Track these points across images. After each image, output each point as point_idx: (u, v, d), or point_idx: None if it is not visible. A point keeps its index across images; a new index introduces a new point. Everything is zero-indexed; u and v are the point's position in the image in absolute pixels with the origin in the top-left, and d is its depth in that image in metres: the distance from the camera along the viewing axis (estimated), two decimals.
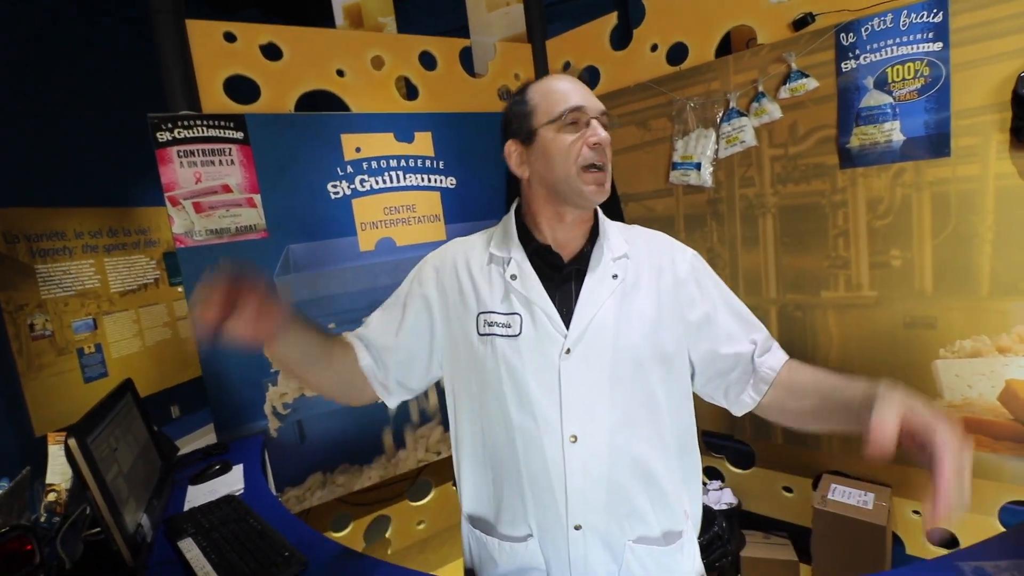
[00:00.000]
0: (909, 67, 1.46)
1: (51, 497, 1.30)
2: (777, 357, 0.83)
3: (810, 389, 0.80)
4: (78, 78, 3.29)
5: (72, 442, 0.94)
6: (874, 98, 1.53)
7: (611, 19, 2.19)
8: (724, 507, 2.07)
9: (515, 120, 0.82)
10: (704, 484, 2.29)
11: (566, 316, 0.79)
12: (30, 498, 1.28)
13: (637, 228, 0.92)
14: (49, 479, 1.34)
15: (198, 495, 1.34)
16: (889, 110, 1.50)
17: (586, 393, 0.78)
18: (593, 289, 0.80)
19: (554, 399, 0.78)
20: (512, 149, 0.83)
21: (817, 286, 1.77)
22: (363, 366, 0.87)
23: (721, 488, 2.20)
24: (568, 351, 0.78)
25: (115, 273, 3.44)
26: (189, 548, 1.07)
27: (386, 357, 0.88)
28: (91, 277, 3.29)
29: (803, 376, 0.81)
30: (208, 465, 1.46)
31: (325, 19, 3.09)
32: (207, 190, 1.65)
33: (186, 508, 1.27)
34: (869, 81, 1.53)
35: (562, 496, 0.78)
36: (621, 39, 2.18)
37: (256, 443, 1.65)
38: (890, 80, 1.49)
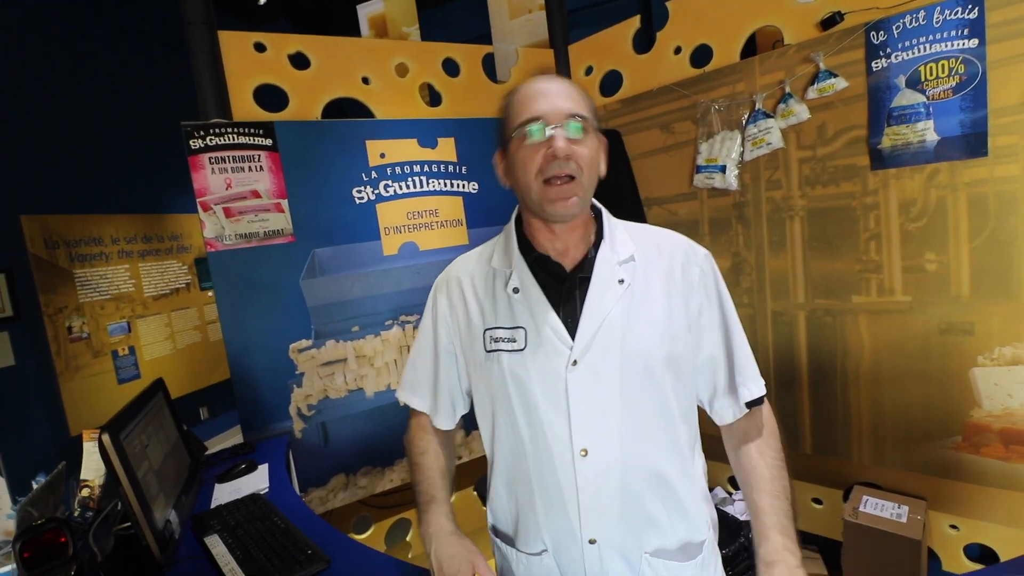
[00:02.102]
0: (943, 65, 1.42)
1: (84, 492, 1.35)
2: (723, 413, 0.84)
3: (738, 474, 0.83)
4: (115, 91, 3.43)
5: (106, 437, 0.97)
6: (906, 97, 1.48)
7: (634, 23, 2.18)
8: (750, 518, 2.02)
9: (499, 128, 0.81)
10: (729, 494, 2.23)
11: (571, 327, 0.77)
12: (65, 493, 1.33)
13: (647, 228, 0.87)
14: (83, 475, 1.38)
15: (224, 493, 1.36)
16: (922, 109, 1.46)
17: (595, 405, 0.76)
18: (598, 297, 0.77)
19: (562, 412, 0.76)
20: (498, 159, 0.82)
21: (848, 291, 1.72)
22: (439, 428, 0.93)
23: None
24: (575, 363, 0.75)
25: (149, 278, 3.56)
26: (215, 544, 1.09)
27: (439, 401, 0.92)
28: (126, 281, 3.41)
29: (740, 458, 0.83)
30: (234, 464, 1.49)
31: (351, 29, 3.16)
32: (237, 195, 1.69)
33: (213, 506, 1.29)
34: (901, 80, 1.49)
35: (575, 510, 0.77)
36: (644, 43, 2.17)
37: (281, 444, 1.68)
38: (923, 79, 1.45)
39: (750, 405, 0.81)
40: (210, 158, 1.66)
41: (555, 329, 0.77)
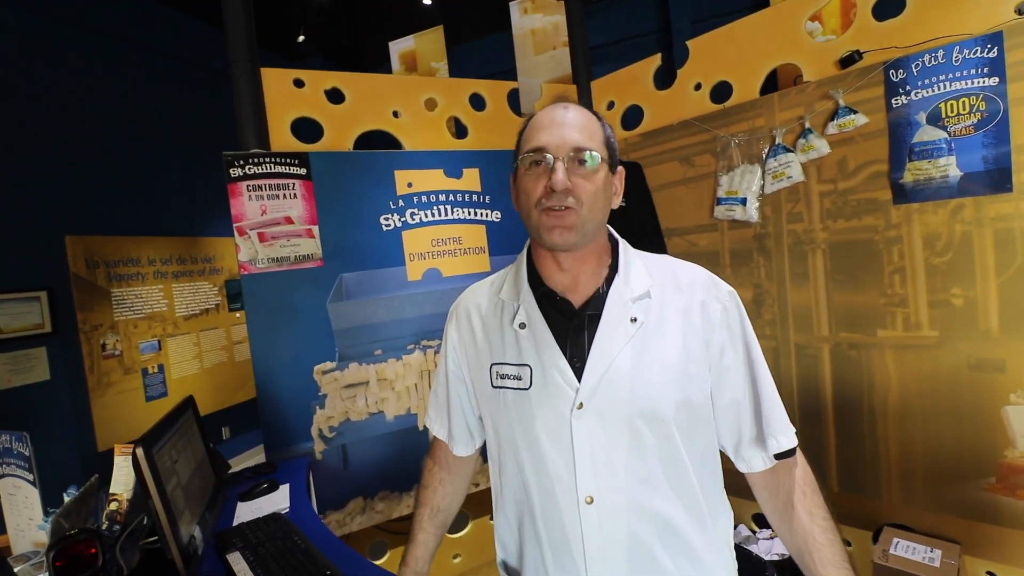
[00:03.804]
0: (964, 102, 1.43)
1: (113, 506, 1.38)
2: (751, 462, 0.77)
3: (787, 539, 0.78)
4: (159, 119, 3.63)
5: (140, 451, 1.01)
6: (927, 133, 1.50)
7: (655, 60, 2.25)
8: (775, 557, 1.96)
9: (514, 152, 0.80)
10: (753, 532, 2.17)
11: (579, 367, 0.73)
12: (95, 506, 1.37)
13: (667, 260, 0.83)
14: (112, 489, 1.42)
15: (246, 511, 1.39)
16: (944, 145, 1.47)
17: (601, 451, 0.72)
18: (606, 337, 0.73)
19: (567, 458, 0.73)
20: (512, 182, 0.80)
21: (873, 324, 1.70)
22: (457, 455, 0.94)
23: (772, 537, 2.08)
24: (580, 406, 0.72)
25: (181, 298, 3.68)
26: (237, 562, 1.10)
27: (453, 429, 0.92)
28: (159, 301, 3.54)
29: (787, 522, 0.77)
30: (257, 483, 1.51)
31: (383, 63, 3.31)
32: (271, 221, 1.77)
33: (235, 523, 1.32)
34: (921, 116, 1.51)
35: (580, 558, 0.73)
36: (665, 79, 2.23)
37: (302, 464, 1.71)
38: (944, 115, 1.47)
39: (779, 457, 0.76)
40: (248, 186, 1.75)
41: (561, 370, 0.73)
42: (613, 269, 0.79)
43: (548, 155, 0.71)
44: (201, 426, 1.48)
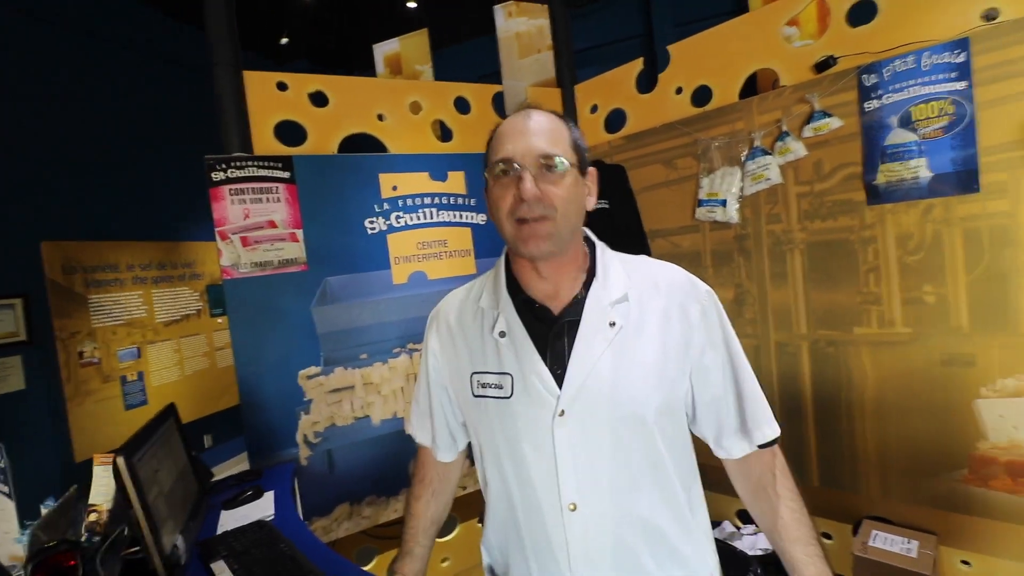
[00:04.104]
0: (933, 106, 1.48)
1: (92, 517, 1.36)
2: (731, 449, 0.80)
3: (760, 521, 0.82)
4: (138, 121, 3.57)
5: (121, 461, 1.00)
6: (899, 136, 1.54)
7: (637, 64, 2.28)
8: (759, 552, 1.99)
9: (483, 162, 0.79)
10: (737, 528, 2.20)
11: (559, 374, 0.73)
12: (74, 517, 1.34)
13: (646, 261, 0.83)
14: (92, 499, 1.40)
15: (230, 520, 1.37)
16: (915, 147, 1.52)
17: (583, 458, 0.73)
18: (586, 344, 0.73)
19: (550, 465, 0.73)
20: (485, 194, 0.79)
21: (849, 322, 1.74)
22: (441, 461, 0.95)
23: (756, 533, 2.11)
24: (562, 413, 0.72)
25: (161, 304, 3.62)
26: (222, 570, 1.09)
27: (436, 435, 0.93)
28: (139, 307, 3.47)
29: (760, 505, 0.81)
30: (241, 491, 1.50)
31: (368, 66, 3.30)
32: (254, 225, 1.75)
33: (219, 531, 1.30)
34: (893, 120, 1.55)
35: (565, 564, 0.74)
36: (647, 83, 2.26)
37: (287, 471, 1.69)
38: (914, 119, 1.51)
39: (763, 446, 0.79)
40: (230, 190, 1.73)
41: (541, 378, 0.73)
42: (591, 273, 0.78)
43: (515, 164, 0.71)
44: (183, 434, 1.46)
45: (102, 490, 1.41)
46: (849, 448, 1.79)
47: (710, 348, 0.77)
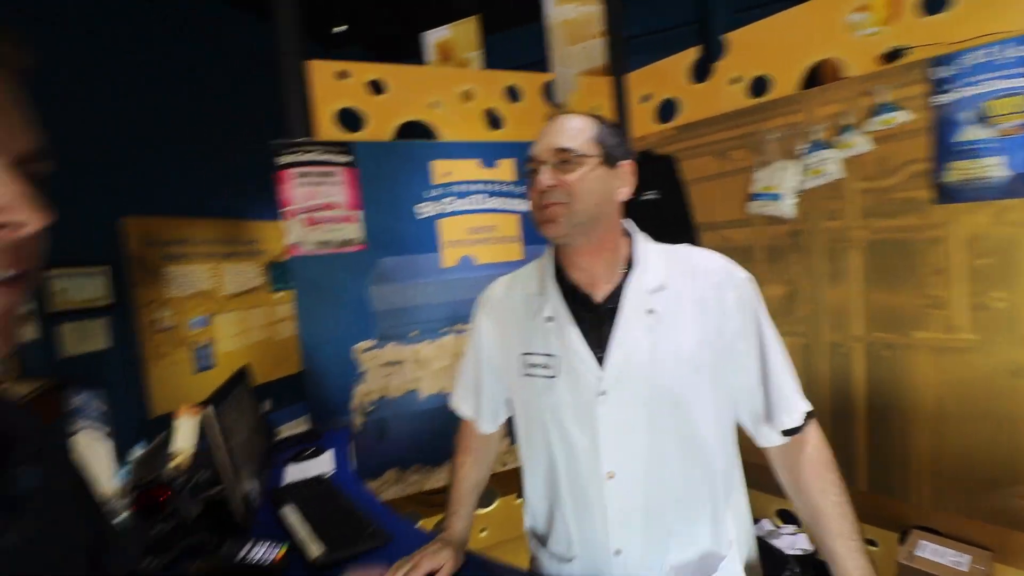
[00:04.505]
0: (1012, 101, 1.39)
1: (173, 463, 1.52)
2: (762, 440, 0.85)
3: (801, 512, 0.84)
4: (210, 110, 3.81)
5: (210, 410, 1.12)
6: (973, 132, 1.47)
7: (691, 53, 2.24)
8: (798, 552, 1.97)
9: None
10: (776, 527, 2.18)
11: (601, 357, 0.80)
12: (161, 461, 1.50)
13: (685, 250, 0.87)
14: (174, 447, 1.56)
15: (293, 474, 1.50)
16: (990, 144, 1.44)
17: (622, 433, 0.80)
18: (625, 330, 0.79)
19: (592, 438, 0.81)
20: None
21: (909, 326, 1.68)
22: (483, 433, 1.04)
23: (795, 533, 2.09)
24: (603, 392, 0.79)
25: (228, 277, 3.88)
26: (290, 513, 1.21)
27: (481, 409, 1.02)
28: (207, 280, 3.74)
29: (801, 497, 0.84)
30: (304, 448, 1.63)
31: (418, 54, 3.38)
32: (316, 207, 1.87)
33: (284, 484, 1.43)
34: (967, 115, 1.47)
35: (602, 525, 0.82)
36: (701, 72, 2.22)
37: (343, 435, 1.81)
38: (991, 114, 1.43)
39: (787, 433, 0.82)
40: (296, 172, 1.85)
41: (585, 361, 0.80)
42: (630, 263, 0.84)
43: (537, 162, 0.80)
44: (254, 394, 1.59)
45: (182, 439, 1.57)
46: (901, 454, 1.74)
47: (743, 336, 0.81)
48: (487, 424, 1.02)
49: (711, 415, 0.82)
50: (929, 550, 1.65)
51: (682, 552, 0.82)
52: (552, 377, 0.83)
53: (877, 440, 1.79)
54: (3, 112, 0.33)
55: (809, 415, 0.83)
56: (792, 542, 2.03)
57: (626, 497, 0.81)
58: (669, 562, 0.82)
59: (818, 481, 0.81)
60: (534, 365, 0.86)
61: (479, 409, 1.01)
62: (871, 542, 1.90)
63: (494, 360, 0.96)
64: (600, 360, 0.80)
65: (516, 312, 0.91)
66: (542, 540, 0.94)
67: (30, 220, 0.32)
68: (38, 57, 0.35)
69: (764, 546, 1.78)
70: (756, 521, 2.19)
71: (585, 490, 0.83)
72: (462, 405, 1.04)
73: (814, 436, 0.83)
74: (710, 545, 0.83)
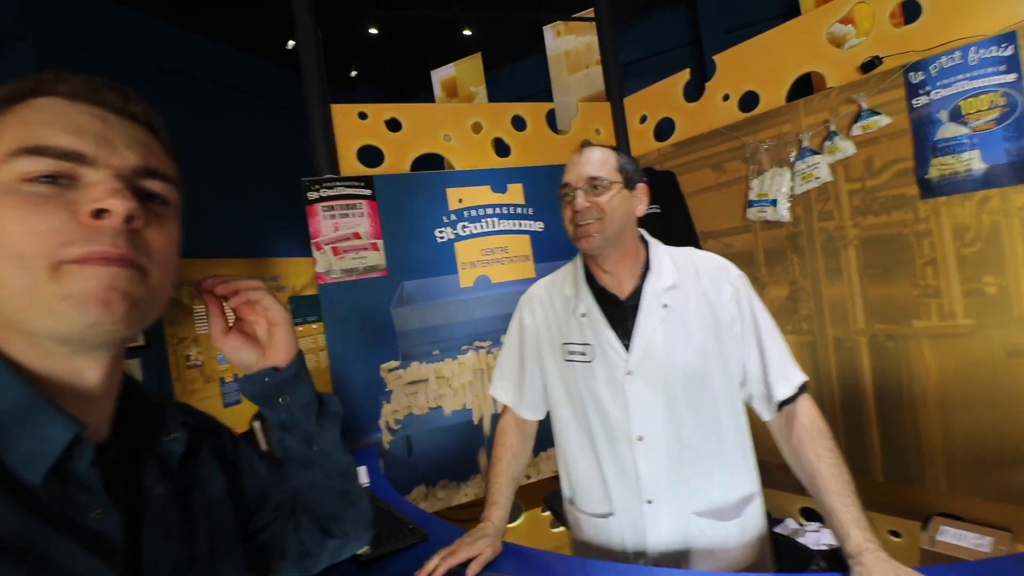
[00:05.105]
0: (983, 99, 1.51)
1: None
2: (761, 412, 1.00)
3: (799, 475, 0.95)
4: (235, 151, 4.04)
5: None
6: (950, 130, 1.57)
7: (684, 75, 2.39)
8: (823, 547, 2.00)
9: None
10: (801, 525, 2.21)
11: (627, 343, 0.99)
12: None
13: (690, 252, 1.06)
14: None
15: None
16: (966, 140, 1.54)
17: (646, 404, 0.98)
18: (645, 321, 0.98)
19: (623, 409, 1.00)
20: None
21: (908, 316, 1.76)
22: (525, 418, 1.17)
23: (819, 529, 2.12)
24: (630, 372, 0.98)
25: None
26: None
27: (524, 394, 1.15)
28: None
29: (799, 462, 0.94)
30: None
31: (426, 90, 3.58)
32: (342, 237, 2.01)
33: None
34: (943, 114, 1.59)
35: (635, 480, 1.00)
36: (694, 92, 2.37)
37: (373, 452, 1.91)
38: (964, 112, 1.54)
39: (785, 403, 0.96)
40: (323, 206, 2.00)
41: (614, 348, 1.00)
42: (647, 267, 1.02)
43: (572, 187, 0.99)
44: None
45: None
46: (914, 442, 1.79)
47: (739, 321, 0.99)
48: (530, 412, 1.16)
49: (719, 389, 0.99)
50: (951, 535, 1.69)
51: (701, 501, 0.99)
52: (589, 362, 1.02)
53: (889, 429, 1.84)
54: (106, 135, 0.44)
55: (802, 388, 0.97)
56: (817, 538, 2.06)
57: (653, 455, 0.99)
58: (691, 509, 0.99)
59: (814, 446, 0.92)
60: (573, 352, 1.05)
61: (521, 397, 1.15)
62: (894, 533, 1.93)
63: (542, 350, 1.12)
64: (626, 347, 0.99)
65: (556, 309, 1.10)
66: (582, 506, 1.09)
67: (116, 208, 0.42)
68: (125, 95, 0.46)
69: (790, 543, 1.83)
70: (780, 521, 2.22)
71: (620, 452, 1.01)
72: (501, 393, 1.18)
73: (810, 410, 0.96)
74: (725, 496, 0.99)
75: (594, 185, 0.97)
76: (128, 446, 0.49)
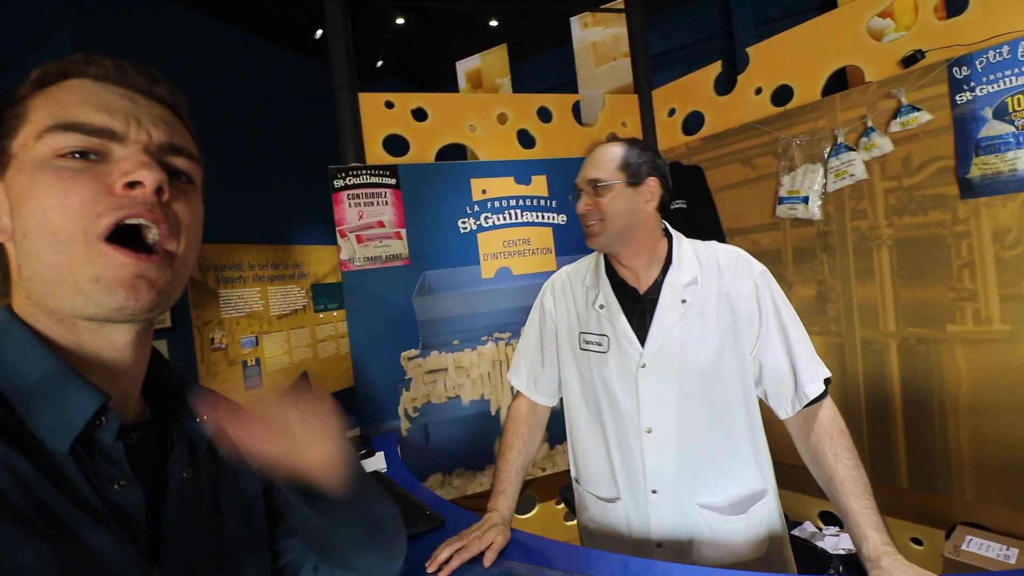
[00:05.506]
0: None
1: None
2: (779, 410, 0.97)
3: (817, 476, 0.94)
4: (259, 143, 4.09)
5: None
6: (994, 128, 1.51)
7: (715, 68, 2.35)
8: (841, 552, 1.97)
9: None
10: (819, 529, 2.17)
11: (642, 337, 0.99)
12: None
13: (712, 247, 1.04)
14: None
15: None
16: (1012, 139, 1.48)
17: (658, 397, 0.98)
18: (662, 316, 0.98)
19: (634, 401, 1.00)
20: None
21: (941, 320, 1.71)
22: (540, 406, 1.18)
23: (839, 534, 2.09)
24: (644, 365, 0.98)
25: (275, 300, 4.11)
26: None
27: (541, 379, 1.17)
28: (257, 302, 3.97)
29: (817, 462, 0.94)
30: (358, 449, 1.75)
31: (450, 81, 3.57)
32: (366, 225, 2.03)
33: None
34: (987, 112, 1.53)
35: (641, 470, 1.00)
36: (726, 85, 2.32)
37: (391, 439, 1.93)
38: (1011, 109, 1.48)
39: (812, 403, 0.94)
40: (348, 195, 2.01)
41: (629, 340, 1.00)
42: (669, 260, 1.01)
43: (577, 190, 1.04)
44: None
45: None
46: (942, 450, 1.74)
47: (760, 317, 0.98)
48: (544, 397, 1.16)
49: (734, 386, 0.97)
50: (975, 544, 1.64)
51: (708, 494, 0.99)
52: (604, 352, 1.03)
53: (915, 436, 1.80)
54: (135, 114, 0.45)
55: (826, 381, 0.94)
56: (836, 543, 2.03)
57: (661, 447, 0.99)
58: (697, 501, 0.99)
59: (832, 446, 0.90)
60: (589, 342, 1.06)
61: (537, 381, 1.16)
62: (916, 541, 1.88)
63: (561, 336, 1.13)
64: (642, 340, 0.99)
65: (576, 297, 1.11)
66: (588, 485, 1.10)
67: (147, 179, 0.43)
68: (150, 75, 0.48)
69: (808, 547, 1.80)
70: (798, 524, 2.19)
71: (628, 442, 1.02)
72: (516, 378, 1.19)
73: (829, 408, 0.94)
74: (732, 491, 0.98)
75: (595, 187, 0.99)
76: (158, 426, 0.50)
